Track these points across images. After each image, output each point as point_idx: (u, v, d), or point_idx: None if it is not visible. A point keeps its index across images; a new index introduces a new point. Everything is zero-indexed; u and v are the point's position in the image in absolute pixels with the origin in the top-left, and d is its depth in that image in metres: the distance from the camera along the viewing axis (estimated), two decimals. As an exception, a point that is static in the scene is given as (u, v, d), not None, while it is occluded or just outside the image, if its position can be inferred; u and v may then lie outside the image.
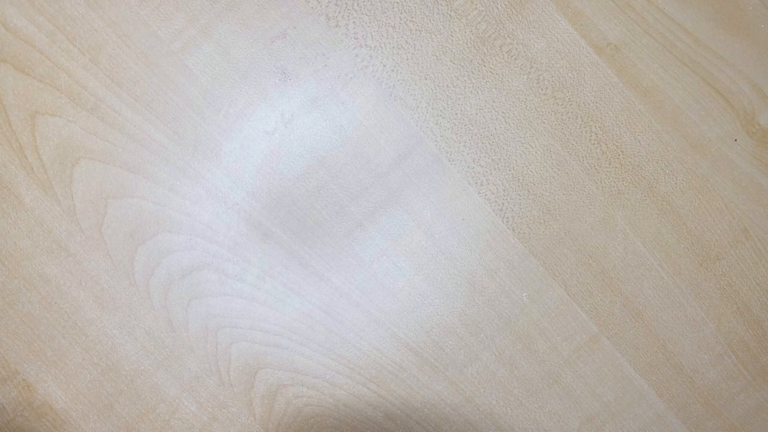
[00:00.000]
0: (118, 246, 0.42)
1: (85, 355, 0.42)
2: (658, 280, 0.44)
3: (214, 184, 0.42)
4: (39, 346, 0.42)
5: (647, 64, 0.44)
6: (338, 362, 0.43)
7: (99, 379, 0.42)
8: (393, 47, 0.43)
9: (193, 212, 0.42)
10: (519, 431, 0.44)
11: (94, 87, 0.41)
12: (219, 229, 0.42)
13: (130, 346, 0.42)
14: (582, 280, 0.44)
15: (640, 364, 0.44)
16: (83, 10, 0.41)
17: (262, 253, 0.42)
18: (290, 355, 0.43)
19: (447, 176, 0.43)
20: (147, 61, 0.41)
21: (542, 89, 0.43)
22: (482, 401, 0.44)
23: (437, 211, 0.43)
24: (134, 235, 0.42)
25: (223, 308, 0.42)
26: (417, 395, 0.44)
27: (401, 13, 0.42)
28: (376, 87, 0.43)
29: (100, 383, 0.42)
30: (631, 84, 0.44)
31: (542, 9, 0.43)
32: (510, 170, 0.43)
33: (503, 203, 0.43)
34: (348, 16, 0.42)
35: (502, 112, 0.43)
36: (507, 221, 0.43)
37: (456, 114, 0.43)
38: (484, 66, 0.43)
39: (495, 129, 0.43)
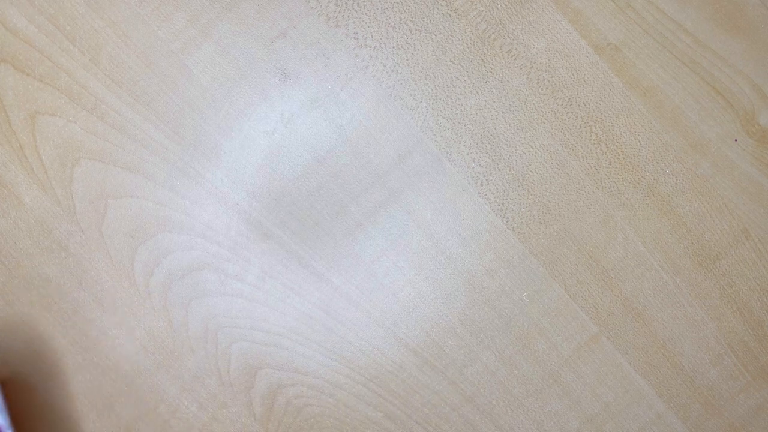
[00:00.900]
0: (118, 246, 0.42)
1: (85, 355, 0.42)
2: (658, 280, 0.44)
3: (214, 184, 0.42)
4: (39, 346, 0.41)
5: (647, 64, 0.44)
6: (338, 362, 0.43)
7: (99, 379, 0.42)
8: (393, 47, 0.43)
9: (193, 212, 0.42)
10: (519, 431, 0.44)
11: (94, 87, 0.41)
12: (219, 229, 0.42)
13: (130, 346, 0.42)
14: (582, 280, 0.44)
15: (640, 364, 0.44)
16: (83, 10, 0.41)
17: (262, 253, 0.42)
18: (290, 355, 0.43)
19: (447, 176, 0.43)
20: (147, 61, 0.41)
21: (542, 89, 0.43)
22: (482, 401, 0.44)
23: (437, 211, 0.43)
24: (134, 235, 0.42)
25: (223, 308, 0.42)
26: (417, 395, 0.44)
27: (401, 13, 0.42)
28: (376, 87, 0.43)
29: (100, 383, 0.42)
30: (631, 84, 0.44)
31: (542, 9, 0.43)
32: (510, 170, 0.43)
33: (503, 203, 0.43)
34: (348, 16, 0.42)
35: (502, 112, 0.43)
36: (507, 221, 0.43)
37: (456, 114, 0.43)
38: (484, 66, 0.43)
39: (495, 129, 0.43)
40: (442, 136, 0.43)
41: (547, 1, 0.43)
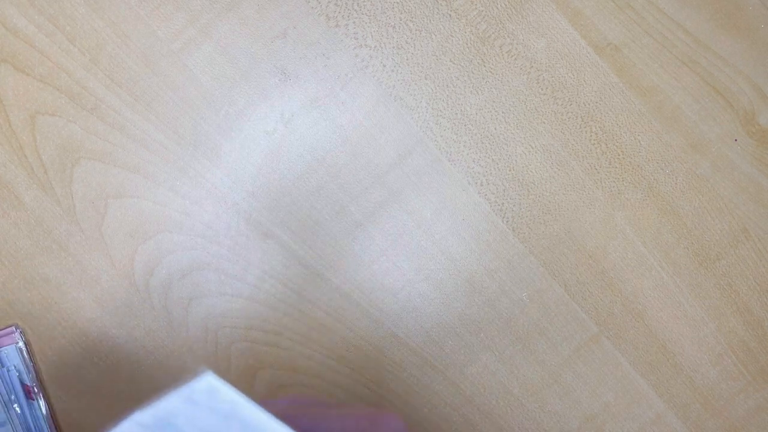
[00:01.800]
0: (118, 246, 0.42)
1: (85, 355, 0.42)
2: (658, 280, 0.44)
3: (214, 184, 0.42)
4: (39, 346, 0.41)
5: (647, 64, 0.44)
6: (338, 362, 0.43)
7: (99, 379, 0.42)
8: (393, 47, 0.43)
9: (193, 212, 0.42)
10: (519, 431, 0.44)
11: (94, 87, 0.41)
12: (219, 229, 0.42)
13: (130, 346, 0.42)
14: (582, 280, 0.44)
15: (640, 364, 0.44)
16: (83, 10, 0.41)
17: (262, 253, 0.42)
18: (290, 355, 0.43)
19: (447, 176, 0.43)
20: (147, 61, 0.41)
21: (542, 89, 0.43)
22: (482, 401, 0.44)
23: (437, 211, 0.43)
24: (134, 235, 0.42)
25: (223, 308, 0.42)
26: (417, 395, 0.44)
27: (401, 13, 0.42)
28: (376, 87, 0.43)
29: (100, 383, 0.42)
30: (631, 84, 0.44)
31: (542, 9, 0.43)
32: (510, 170, 0.43)
33: (503, 203, 0.43)
34: (348, 16, 0.42)
35: (502, 112, 0.43)
36: (507, 221, 0.43)
37: (456, 114, 0.43)
38: (484, 66, 0.43)
39: (495, 129, 0.43)
40: (442, 136, 0.43)
41: (547, 1, 0.43)
